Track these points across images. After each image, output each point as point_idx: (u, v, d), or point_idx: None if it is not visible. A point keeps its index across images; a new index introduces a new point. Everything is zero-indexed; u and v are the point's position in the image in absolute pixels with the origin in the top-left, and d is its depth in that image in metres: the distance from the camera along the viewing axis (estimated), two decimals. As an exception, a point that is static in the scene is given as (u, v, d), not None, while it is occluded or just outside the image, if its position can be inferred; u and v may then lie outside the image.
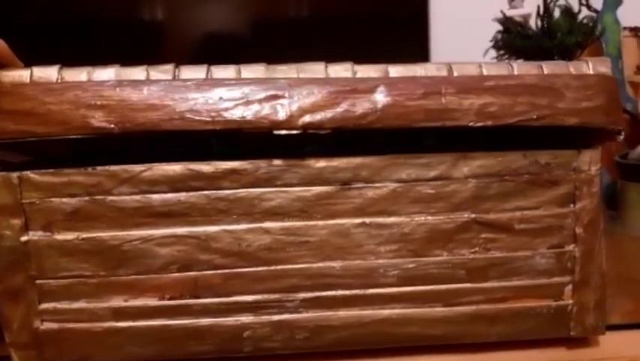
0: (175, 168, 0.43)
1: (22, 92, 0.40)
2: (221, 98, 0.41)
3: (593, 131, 0.45)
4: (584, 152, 0.45)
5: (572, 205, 0.46)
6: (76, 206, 0.43)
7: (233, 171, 0.43)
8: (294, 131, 0.41)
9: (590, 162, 0.45)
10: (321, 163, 0.44)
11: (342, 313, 0.45)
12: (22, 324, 0.44)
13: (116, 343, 0.44)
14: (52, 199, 0.43)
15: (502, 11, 1.04)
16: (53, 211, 0.43)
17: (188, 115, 0.41)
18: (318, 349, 0.45)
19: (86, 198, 0.43)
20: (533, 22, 0.96)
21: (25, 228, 0.43)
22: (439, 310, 0.46)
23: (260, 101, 0.41)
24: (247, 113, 0.41)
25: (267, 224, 0.44)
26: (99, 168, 0.43)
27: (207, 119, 0.41)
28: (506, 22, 0.97)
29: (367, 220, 0.45)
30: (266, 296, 0.45)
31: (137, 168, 0.43)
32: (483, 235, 0.45)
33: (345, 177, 0.44)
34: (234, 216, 0.44)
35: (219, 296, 0.44)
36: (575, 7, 0.98)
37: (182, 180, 0.43)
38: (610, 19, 0.96)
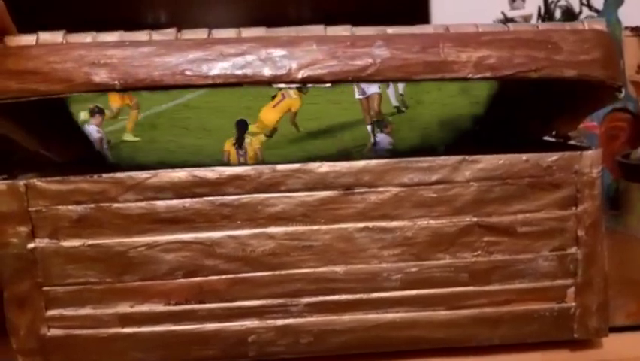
0: (179, 174, 0.43)
1: (27, 53, 0.41)
2: (221, 54, 0.41)
3: (594, 90, 0.45)
4: (586, 154, 0.46)
5: (573, 208, 0.46)
6: (82, 213, 0.43)
7: (237, 177, 0.44)
8: (294, 85, 0.42)
9: (591, 164, 0.46)
10: (324, 168, 0.44)
11: (346, 317, 0.45)
12: (28, 331, 0.44)
13: (121, 348, 0.45)
14: (59, 207, 0.43)
15: (502, 12, 1.04)
16: (59, 218, 0.43)
17: (189, 71, 0.41)
18: (323, 353, 0.46)
19: (92, 205, 0.43)
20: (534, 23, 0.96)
21: (32, 235, 0.43)
22: (442, 313, 0.46)
23: (260, 56, 0.41)
24: (247, 68, 0.41)
25: (271, 229, 0.44)
26: (104, 175, 0.43)
27: (208, 74, 0.41)
28: (507, 22, 0.97)
29: (370, 225, 0.45)
30: (270, 301, 0.45)
31: (142, 175, 0.43)
32: (485, 239, 0.46)
33: (347, 181, 0.44)
34: (238, 222, 0.44)
35: (224, 301, 0.45)
36: (576, 7, 0.98)
37: (187, 187, 0.43)
38: (611, 19, 0.96)
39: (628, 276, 0.66)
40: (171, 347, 0.45)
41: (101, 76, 0.40)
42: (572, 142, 0.55)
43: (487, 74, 0.42)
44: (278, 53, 0.41)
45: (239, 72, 0.41)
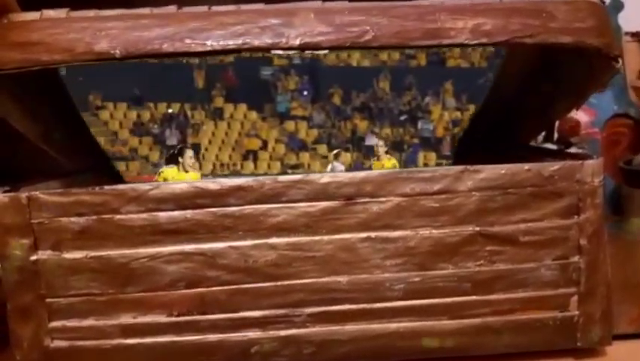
0: (181, 186, 0.43)
1: (31, 26, 0.42)
2: (221, 24, 0.42)
3: (590, 62, 0.45)
4: (587, 163, 0.46)
5: (575, 217, 0.46)
6: (84, 225, 0.43)
7: (238, 188, 0.44)
8: (292, 52, 0.42)
9: (592, 173, 0.46)
10: (326, 179, 0.44)
11: (349, 327, 0.45)
12: (32, 342, 0.44)
13: (124, 359, 0.45)
14: (61, 219, 0.43)
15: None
16: (62, 230, 0.43)
17: (188, 39, 0.42)
18: (326, 363, 0.46)
19: (94, 217, 0.43)
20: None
21: (35, 247, 0.43)
22: (445, 322, 0.46)
23: (258, 24, 0.42)
24: (246, 35, 0.42)
25: (273, 240, 0.44)
26: (106, 187, 0.43)
27: (207, 42, 0.42)
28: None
29: (372, 235, 0.45)
30: (273, 311, 0.45)
31: (143, 186, 0.43)
32: (488, 248, 0.45)
33: (349, 192, 0.44)
34: (240, 233, 0.44)
35: (227, 312, 0.45)
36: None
37: (189, 198, 0.44)
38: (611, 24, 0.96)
39: (631, 282, 0.66)
40: (174, 358, 0.45)
41: (101, 45, 0.41)
42: (573, 149, 0.55)
43: (484, 40, 0.43)
44: (276, 21, 0.42)
45: (238, 40, 0.42)
